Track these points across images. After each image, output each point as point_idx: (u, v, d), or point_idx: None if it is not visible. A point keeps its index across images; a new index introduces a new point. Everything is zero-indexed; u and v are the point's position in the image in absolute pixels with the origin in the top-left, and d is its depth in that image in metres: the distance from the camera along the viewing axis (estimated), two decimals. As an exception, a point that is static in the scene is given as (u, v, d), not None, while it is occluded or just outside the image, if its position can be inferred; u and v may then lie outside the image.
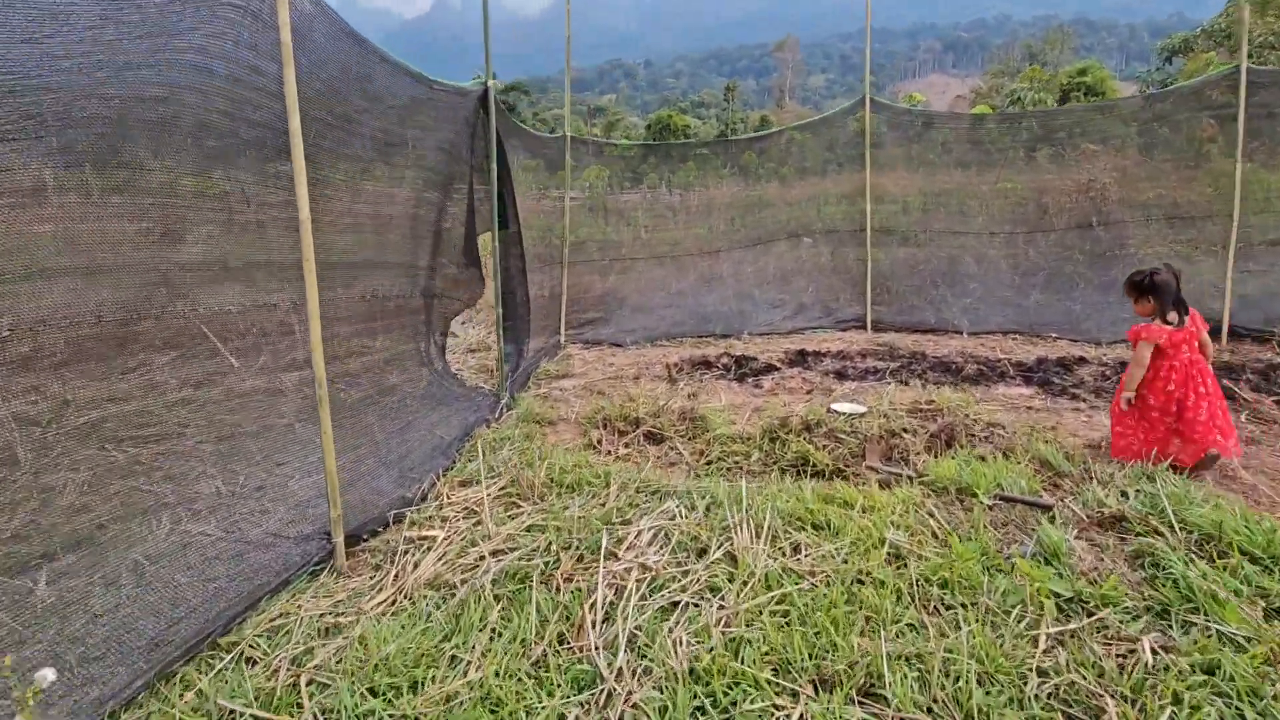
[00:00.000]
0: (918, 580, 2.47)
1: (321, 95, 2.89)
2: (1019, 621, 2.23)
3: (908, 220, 8.19)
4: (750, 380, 5.47)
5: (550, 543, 2.82)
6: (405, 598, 2.56)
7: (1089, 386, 5.07)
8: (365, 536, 3.02)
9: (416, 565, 2.78)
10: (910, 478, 3.44)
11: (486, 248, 5.02)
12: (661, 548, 2.77)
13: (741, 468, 3.77)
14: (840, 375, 5.53)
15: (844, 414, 4.23)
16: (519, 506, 3.28)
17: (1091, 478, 3.36)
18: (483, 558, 2.77)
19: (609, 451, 4.08)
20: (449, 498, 3.43)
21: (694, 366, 5.88)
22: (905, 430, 3.98)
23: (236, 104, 2.51)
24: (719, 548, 2.72)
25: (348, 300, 3.59)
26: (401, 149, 3.65)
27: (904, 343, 6.75)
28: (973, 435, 3.90)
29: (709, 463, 3.86)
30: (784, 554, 2.68)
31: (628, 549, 2.75)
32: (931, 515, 3.00)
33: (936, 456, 3.70)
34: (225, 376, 2.84)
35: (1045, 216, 8.16)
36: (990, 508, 3.05)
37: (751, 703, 1.92)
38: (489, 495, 3.37)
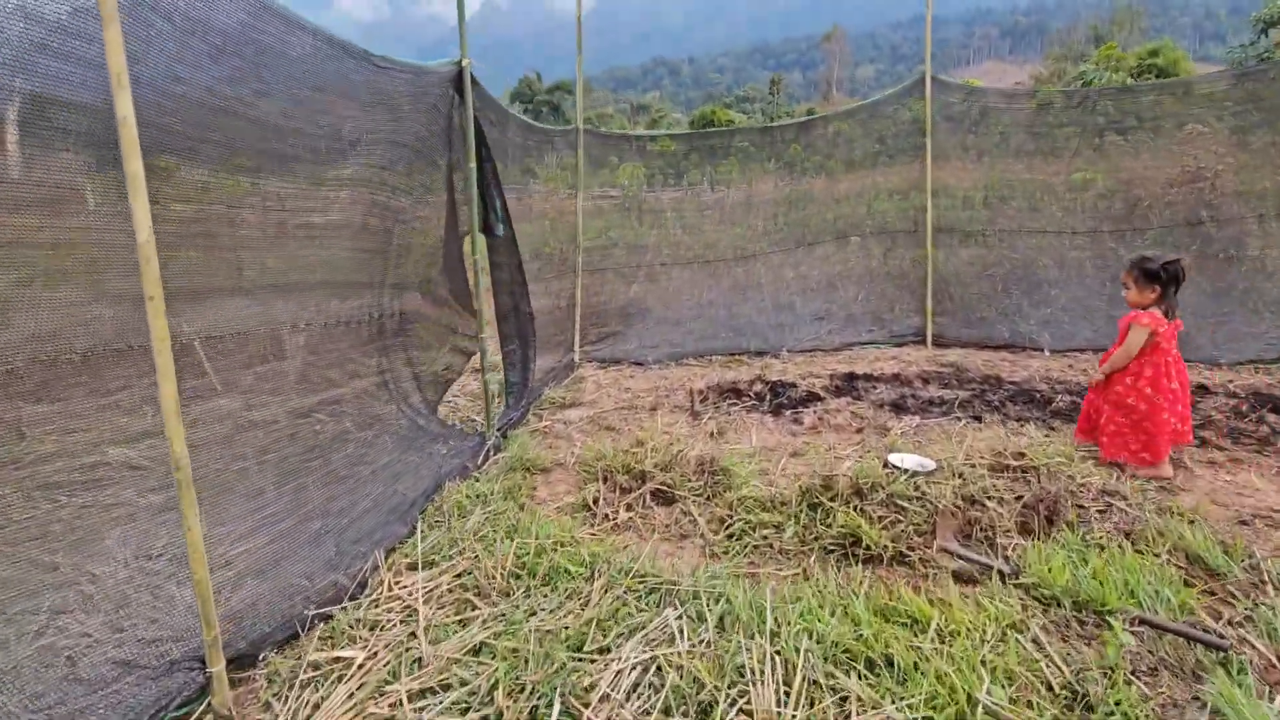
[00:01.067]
0: (1036, 790, 1.59)
1: (199, 73, 2.17)
2: None
3: (971, 217, 7.13)
4: (788, 413, 4.58)
5: (496, 681, 2.04)
6: (280, 773, 1.82)
7: (1220, 427, 4.02)
8: (264, 656, 2.30)
9: (317, 707, 2.04)
10: (1002, 574, 2.53)
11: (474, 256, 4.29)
12: (649, 699, 1.95)
13: (772, 546, 2.91)
14: (898, 408, 4.59)
15: (905, 470, 3.33)
16: (474, 607, 2.51)
17: (1266, 582, 2.40)
18: (401, 702, 2.01)
19: (607, 515, 3.28)
20: (392, 586, 2.68)
21: (721, 395, 5.03)
22: (989, 496, 3.06)
23: (50, 81, 1.80)
24: (731, 705, 1.89)
25: (271, 331, 2.89)
26: (342, 144, 2.92)
27: (973, 363, 5.74)
28: (1082, 507, 2.95)
29: (730, 535, 3.02)
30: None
31: (601, 700, 1.94)
32: (1040, 646, 2.10)
33: (1035, 538, 2.78)
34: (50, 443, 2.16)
35: (1137, 211, 7.00)
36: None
37: None
38: (436, 590, 2.61)
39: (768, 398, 4.86)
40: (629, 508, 3.33)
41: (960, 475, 3.21)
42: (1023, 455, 3.35)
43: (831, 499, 3.08)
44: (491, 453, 4.02)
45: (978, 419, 4.34)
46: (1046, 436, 3.94)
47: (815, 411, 4.58)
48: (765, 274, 7.53)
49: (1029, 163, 7.20)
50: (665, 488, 3.40)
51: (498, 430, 4.20)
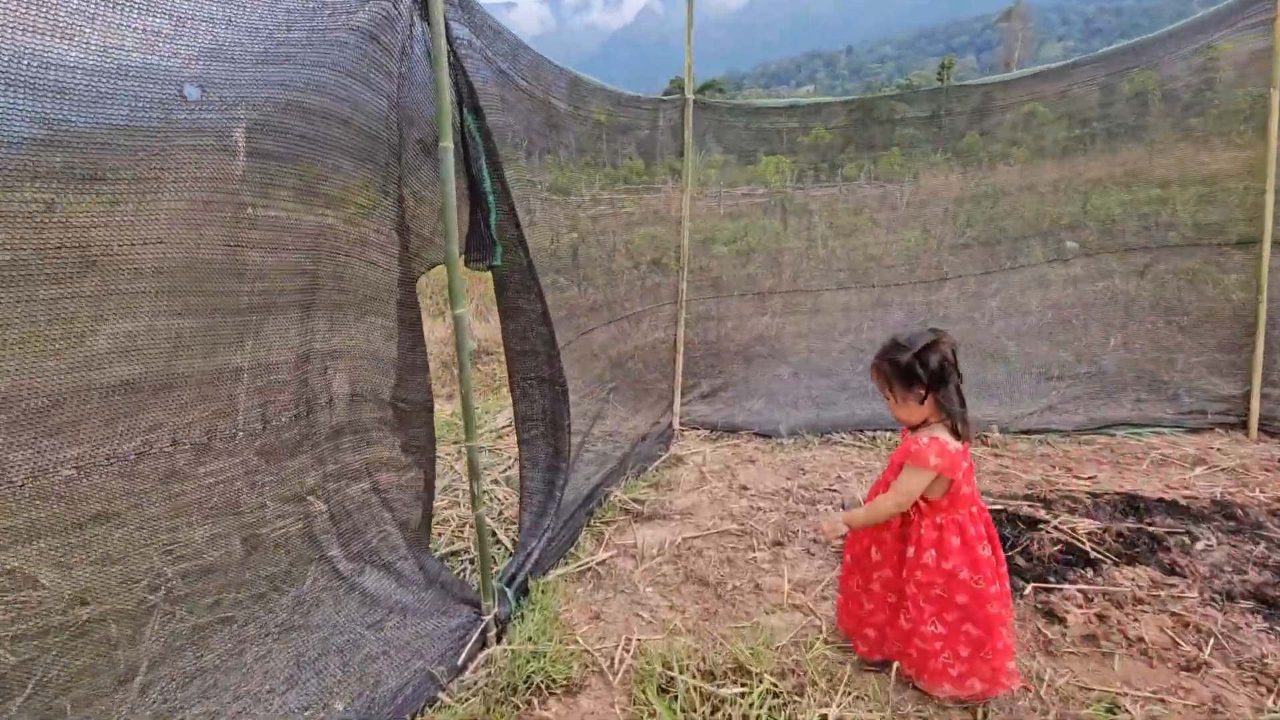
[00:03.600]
0: None
1: None
2: None
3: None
4: (1031, 589, 2.48)
5: None
6: None
7: None
8: None
9: None
10: None
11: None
12: None
13: None
14: (1266, 604, 2.33)
15: None
16: None
17: None
18: None
19: None
20: None
21: (896, 526, 3.01)
22: None
23: None
24: None
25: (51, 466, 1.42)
26: (138, 102, 1.40)
27: (1372, 483, 3.21)
28: None
29: None
30: None
31: None
32: None
33: None
34: None
35: None
36: None
37: None
38: None
39: (983, 544, 2.77)
40: None
41: None
42: None
43: None
44: (493, 634, 2.37)
45: None
46: None
47: (1085, 592, 2.44)
48: (956, 302, 5.27)
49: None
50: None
51: (508, 583, 2.54)
